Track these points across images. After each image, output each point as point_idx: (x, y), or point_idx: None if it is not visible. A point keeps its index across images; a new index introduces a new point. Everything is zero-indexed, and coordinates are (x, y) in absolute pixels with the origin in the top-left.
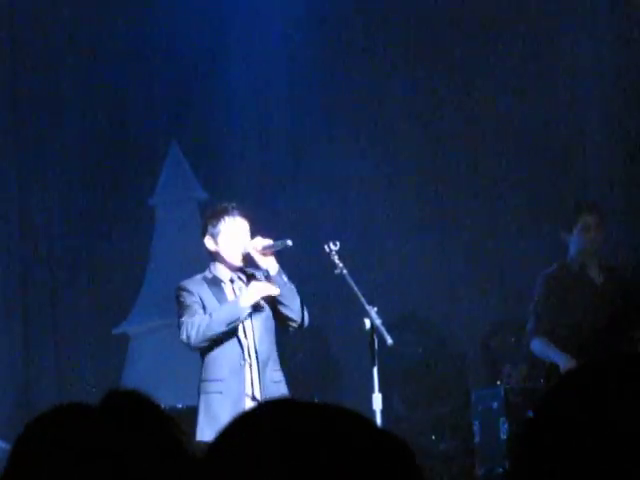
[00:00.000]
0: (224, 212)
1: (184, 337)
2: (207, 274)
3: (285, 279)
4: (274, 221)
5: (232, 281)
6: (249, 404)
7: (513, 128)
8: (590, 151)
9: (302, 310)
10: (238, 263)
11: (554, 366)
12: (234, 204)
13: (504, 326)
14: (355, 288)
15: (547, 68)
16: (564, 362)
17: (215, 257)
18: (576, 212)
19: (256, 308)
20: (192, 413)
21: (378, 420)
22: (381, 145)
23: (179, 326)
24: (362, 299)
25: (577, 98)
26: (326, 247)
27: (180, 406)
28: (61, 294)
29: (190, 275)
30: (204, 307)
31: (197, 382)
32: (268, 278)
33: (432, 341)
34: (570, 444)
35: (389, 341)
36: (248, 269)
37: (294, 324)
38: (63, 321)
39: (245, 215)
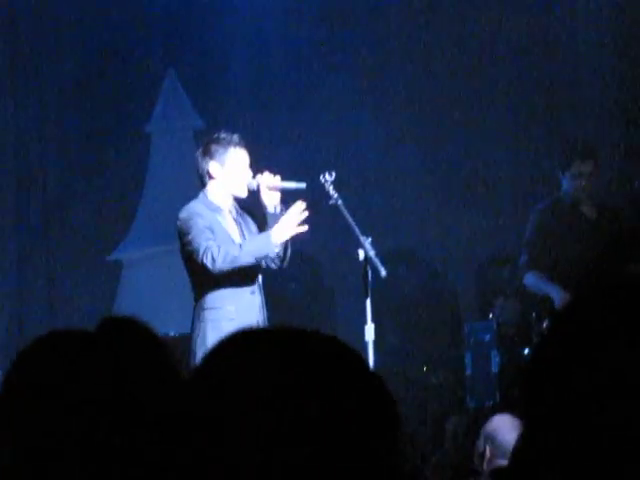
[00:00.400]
0: (230, 142)
1: (208, 260)
2: (206, 201)
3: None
4: (269, 153)
5: (230, 212)
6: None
7: (511, 70)
8: (586, 93)
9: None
10: (243, 194)
11: (546, 300)
12: (238, 135)
13: (497, 259)
14: (350, 219)
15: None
16: (557, 294)
17: (216, 184)
18: (570, 156)
19: None
20: (185, 341)
21: (370, 351)
22: (379, 88)
23: (196, 249)
24: (356, 230)
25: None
26: (321, 177)
27: (173, 334)
28: (54, 222)
29: (185, 203)
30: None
31: (192, 310)
32: (274, 217)
33: (426, 273)
34: (570, 382)
35: (383, 272)
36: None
37: (279, 262)
38: (56, 249)
39: (247, 148)
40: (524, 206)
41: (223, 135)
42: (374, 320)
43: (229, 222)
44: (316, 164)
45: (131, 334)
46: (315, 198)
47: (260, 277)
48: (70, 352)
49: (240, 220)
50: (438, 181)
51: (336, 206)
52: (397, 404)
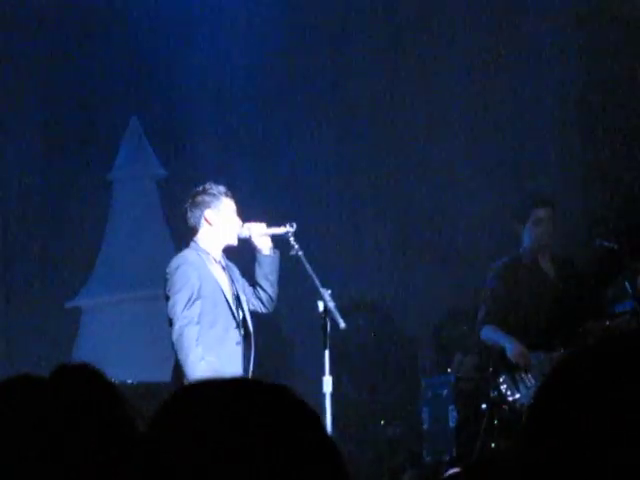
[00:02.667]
0: (222, 192)
1: (178, 339)
2: (198, 248)
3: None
4: (234, 199)
5: (220, 261)
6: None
7: (465, 123)
8: (545, 141)
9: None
10: (234, 242)
11: (503, 355)
12: (225, 187)
13: (456, 315)
14: (310, 270)
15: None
16: (511, 346)
17: (207, 232)
18: (528, 205)
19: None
20: (144, 388)
21: (327, 403)
22: (341, 130)
23: (175, 315)
24: (316, 281)
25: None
26: (283, 228)
27: (130, 382)
28: (14, 267)
29: (146, 252)
30: (200, 291)
31: (155, 359)
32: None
33: (384, 327)
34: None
35: (342, 324)
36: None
37: (269, 305)
38: (15, 294)
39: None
40: (484, 262)
41: (212, 186)
42: (332, 372)
43: (218, 270)
44: (277, 214)
45: (84, 381)
46: (276, 248)
47: (250, 326)
48: (24, 400)
49: (228, 268)
50: (398, 235)
51: (297, 257)
52: (341, 455)
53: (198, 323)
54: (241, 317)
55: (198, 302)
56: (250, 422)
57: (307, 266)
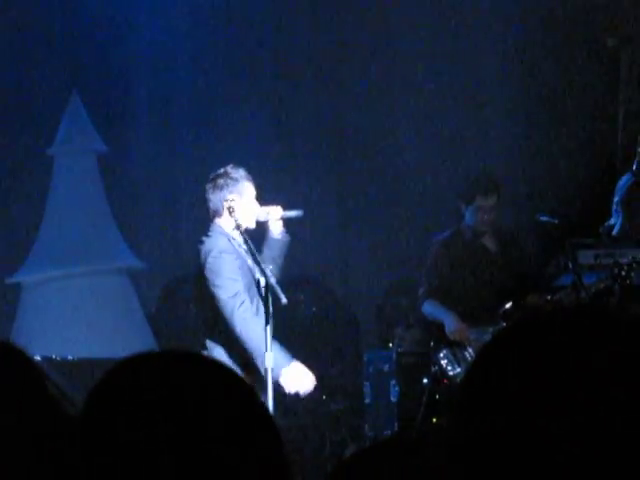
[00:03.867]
0: (243, 176)
1: (238, 317)
2: (227, 234)
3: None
4: (172, 175)
5: (241, 245)
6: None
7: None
8: (491, 120)
9: None
10: (253, 225)
11: (444, 330)
12: (244, 169)
13: (397, 289)
14: (252, 246)
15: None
16: (449, 322)
17: (228, 216)
18: (475, 190)
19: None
20: (83, 365)
21: (269, 378)
22: (282, 100)
23: (228, 298)
24: (258, 257)
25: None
26: (226, 204)
27: (71, 358)
28: None
29: (86, 227)
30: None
31: (96, 334)
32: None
33: (326, 302)
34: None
35: (283, 300)
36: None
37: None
38: None
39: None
40: (426, 237)
41: (232, 169)
42: (273, 347)
43: (244, 254)
44: None
45: (2, 359)
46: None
47: (271, 307)
48: None
49: (249, 250)
50: (340, 211)
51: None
52: (277, 428)
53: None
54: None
55: (241, 284)
56: (185, 397)
57: (249, 241)
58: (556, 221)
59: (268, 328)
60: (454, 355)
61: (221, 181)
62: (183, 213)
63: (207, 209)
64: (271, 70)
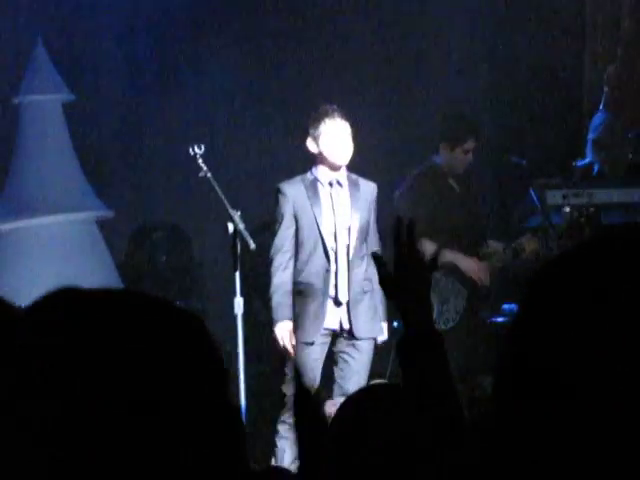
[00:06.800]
0: (324, 114)
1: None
2: (308, 175)
3: None
4: (140, 125)
5: (331, 184)
6: (331, 307)
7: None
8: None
9: None
10: (341, 162)
11: None
12: (335, 106)
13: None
14: (220, 192)
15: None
16: (467, 262)
17: (317, 159)
18: (465, 132)
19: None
20: None
21: (239, 324)
22: (250, 58)
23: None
24: (226, 203)
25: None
26: (190, 150)
27: None
28: None
29: (53, 176)
30: (296, 216)
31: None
32: None
33: None
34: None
35: (252, 245)
36: (352, 175)
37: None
38: None
39: (345, 117)
40: (398, 173)
41: (318, 110)
42: (243, 293)
43: (323, 196)
44: (187, 137)
45: None
46: (184, 171)
47: (348, 251)
48: None
49: (336, 194)
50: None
51: (206, 179)
52: (218, 351)
53: (287, 251)
54: (334, 250)
55: (289, 230)
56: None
57: (216, 188)
58: (524, 163)
59: (237, 274)
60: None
61: (305, 124)
62: (150, 161)
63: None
64: (239, 28)
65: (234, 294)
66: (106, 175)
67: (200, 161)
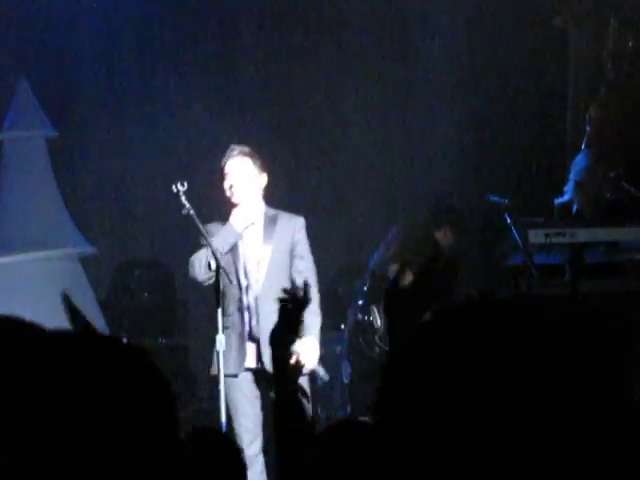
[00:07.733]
0: (226, 157)
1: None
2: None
3: None
4: (124, 162)
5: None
6: (249, 343)
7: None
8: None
9: None
10: (238, 202)
11: None
12: (235, 145)
13: (350, 270)
14: (202, 229)
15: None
16: None
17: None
18: (445, 220)
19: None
20: None
21: (221, 361)
22: (227, 78)
23: None
24: (208, 240)
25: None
26: (174, 187)
27: None
28: None
29: (36, 213)
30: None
31: (46, 320)
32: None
33: None
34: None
35: (233, 282)
36: (271, 210)
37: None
38: None
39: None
40: (379, 219)
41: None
42: (225, 330)
43: (248, 231)
44: (169, 173)
45: None
46: (167, 208)
47: (260, 282)
48: None
49: (267, 226)
50: (292, 191)
51: (188, 216)
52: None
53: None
54: (245, 284)
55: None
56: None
57: (199, 224)
58: (506, 201)
59: (219, 310)
60: None
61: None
62: (133, 198)
63: (158, 193)
64: (218, 59)
65: (216, 331)
66: (89, 211)
67: (183, 198)
